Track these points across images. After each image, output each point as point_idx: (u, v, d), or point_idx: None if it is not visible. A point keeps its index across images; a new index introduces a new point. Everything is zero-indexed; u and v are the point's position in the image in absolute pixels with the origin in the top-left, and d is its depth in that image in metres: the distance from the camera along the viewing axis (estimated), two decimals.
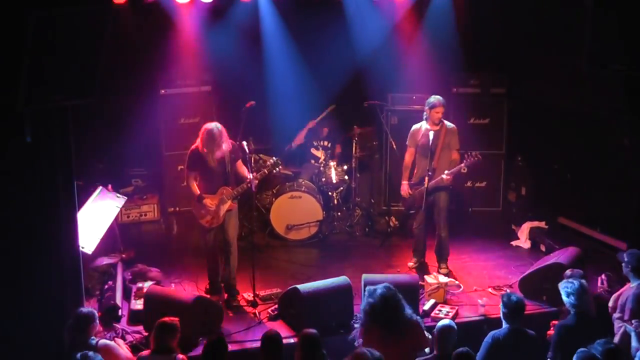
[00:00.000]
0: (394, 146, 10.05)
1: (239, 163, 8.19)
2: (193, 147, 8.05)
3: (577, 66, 8.48)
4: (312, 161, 10.52)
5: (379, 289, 6.20)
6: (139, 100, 10.16)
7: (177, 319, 6.23)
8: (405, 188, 8.89)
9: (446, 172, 8.56)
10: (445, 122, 8.72)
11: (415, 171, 8.86)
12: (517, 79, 10.51)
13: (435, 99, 8.65)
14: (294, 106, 10.68)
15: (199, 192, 8.08)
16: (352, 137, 10.25)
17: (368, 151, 10.70)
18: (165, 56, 10.15)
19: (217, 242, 8.31)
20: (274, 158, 8.50)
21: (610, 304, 6.96)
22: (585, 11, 7.23)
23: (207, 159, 7.94)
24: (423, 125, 8.78)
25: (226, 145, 7.95)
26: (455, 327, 6.18)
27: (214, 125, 7.92)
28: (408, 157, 8.93)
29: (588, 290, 6.57)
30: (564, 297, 6.49)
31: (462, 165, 8.56)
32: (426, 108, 8.70)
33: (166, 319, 6.19)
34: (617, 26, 7.02)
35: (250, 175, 8.02)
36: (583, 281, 6.57)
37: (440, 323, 6.24)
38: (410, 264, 9.11)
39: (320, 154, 10.49)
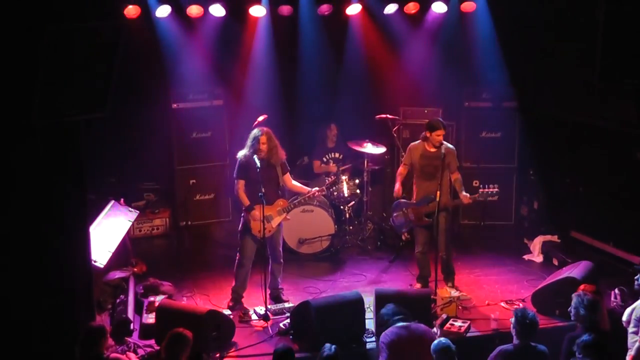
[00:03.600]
0: None
1: (287, 176, 8.21)
2: (240, 154, 8.09)
3: (589, 80, 8.49)
4: (324, 175, 10.51)
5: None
6: (151, 114, 10.20)
7: (189, 332, 6.21)
8: (398, 187, 8.61)
9: (465, 194, 8.33)
10: (445, 143, 8.36)
11: (415, 192, 8.59)
12: (529, 93, 10.49)
13: (437, 122, 8.35)
14: (305, 119, 10.70)
15: (248, 202, 8.08)
16: (364, 151, 10.26)
17: (380, 165, 10.70)
18: (177, 70, 10.19)
19: (260, 253, 8.30)
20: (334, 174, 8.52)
21: (624, 318, 6.89)
22: (597, 25, 7.25)
23: (256, 166, 7.88)
24: (421, 145, 8.47)
25: (275, 152, 7.93)
26: (453, 346, 5.92)
27: (258, 128, 8.01)
28: (401, 169, 8.70)
29: (600, 306, 6.50)
30: (581, 310, 6.42)
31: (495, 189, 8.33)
32: (426, 130, 8.36)
33: (180, 329, 6.16)
34: (629, 40, 7.03)
35: (313, 189, 8.25)
36: (597, 298, 6.52)
37: (436, 342, 5.98)
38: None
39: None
